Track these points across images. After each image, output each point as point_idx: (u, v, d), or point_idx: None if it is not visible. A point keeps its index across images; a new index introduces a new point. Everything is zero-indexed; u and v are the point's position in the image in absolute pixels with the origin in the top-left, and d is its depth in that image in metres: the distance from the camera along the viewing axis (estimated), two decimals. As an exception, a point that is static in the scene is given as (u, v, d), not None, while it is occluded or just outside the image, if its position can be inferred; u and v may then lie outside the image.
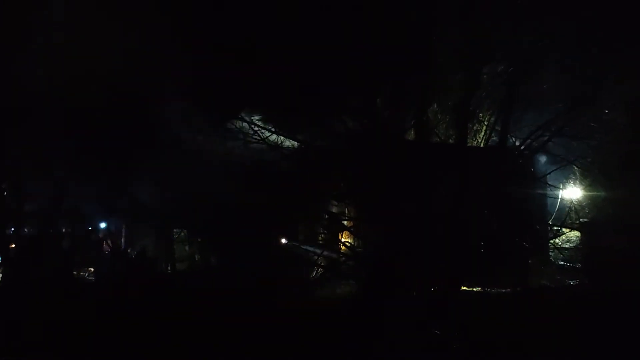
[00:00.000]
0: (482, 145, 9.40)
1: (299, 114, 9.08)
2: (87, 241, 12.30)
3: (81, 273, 12.09)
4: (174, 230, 11.24)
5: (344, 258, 9.21)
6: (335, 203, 10.01)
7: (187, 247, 11.12)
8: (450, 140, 9.47)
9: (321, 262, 9.48)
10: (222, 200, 9.09)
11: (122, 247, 12.18)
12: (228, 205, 9.09)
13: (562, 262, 9.99)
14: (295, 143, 9.27)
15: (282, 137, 9.02)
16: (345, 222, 9.55)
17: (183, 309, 8.20)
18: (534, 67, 8.30)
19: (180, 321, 7.75)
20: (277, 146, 9.07)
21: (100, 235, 12.53)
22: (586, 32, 7.81)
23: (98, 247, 12.32)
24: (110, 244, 12.13)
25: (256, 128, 8.93)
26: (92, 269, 12.19)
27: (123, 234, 12.42)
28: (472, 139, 9.68)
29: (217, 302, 8.34)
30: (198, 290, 9.18)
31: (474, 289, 9.11)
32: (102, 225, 12.61)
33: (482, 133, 9.50)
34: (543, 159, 9.83)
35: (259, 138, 8.92)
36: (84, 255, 12.18)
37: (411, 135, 9.32)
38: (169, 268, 11.23)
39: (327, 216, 9.50)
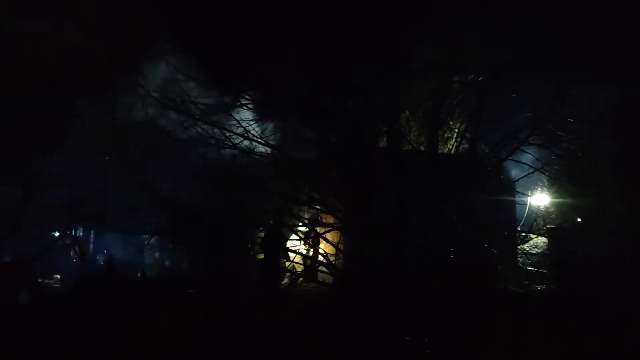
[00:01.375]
0: (453, 152, 9.54)
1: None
2: (54, 247, 12.00)
3: (47, 280, 11.78)
4: (144, 236, 11.06)
5: (317, 264, 9.22)
6: (309, 210, 10.03)
7: (157, 254, 10.95)
8: (422, 147, 9.61)
9: (294, 269, 9.46)
10: (194, 206, 9.01)
11: (90, 254, 11.92)
12: (200, 210, 9.01)
13: (530, 268, 10.18)
14: (269, 149, 9.27)
15: (254, 143, 8.99)
16: (318, 229, 9.57)
17: (153, 317, 8.08)
18: (502, 77, 8.49)
19: (149, 328, 7.65)
20: (249, 152, 9.06)
21: (68, 242, 12.22)
22: (551, 46, 8.03)
23: (65, 253, 12.03)
24: (78, 251, 11.86)
25: (228, 134, 8.87)
26: (59, 276, 11.90)
27: (91, 240, 12.16)
28: (443, 146, 9.84)
29: (187, 309, 8.27)
30: (168, 297, 9.05)
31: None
32: (70, 231, 12.30)
33: (453, 140, 9.65)
34: (512, 166, 10.02)
35: (231, 143, 8.89)
36: (50, 262, 11.87)
37: (383, 142, 9.44)
38: (138, 275, 11.04)
39: (300, 223, 9.49)
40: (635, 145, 8.72)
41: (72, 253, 12.05)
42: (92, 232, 12.13)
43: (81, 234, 12.26)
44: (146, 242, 10.51)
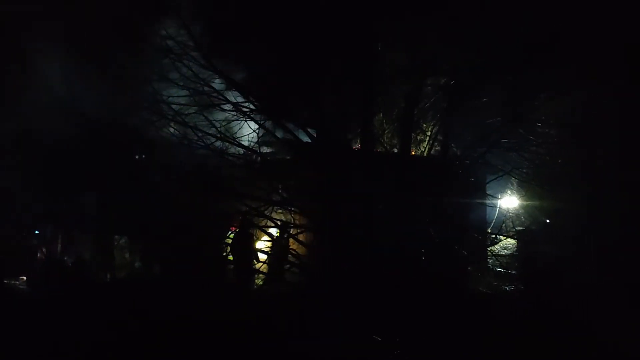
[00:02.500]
0: (425, 154, 9.64)
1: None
2: (21, 248, 11.72)
3: (13, 281, 11.50)
4: (114, 237, 10.89)
5: (288, 266, 9.20)
6: (282, 211, 10.01)
7: (127, 255, 10.79)
8: (395, 150, 9.69)
9: (265, 269, 9.44)
10: (165, 207, 8.91)
11: (58, 255, 11.66)
12: (171, 211, 8.92)
13: (500, 269, 10.35)
14: (241, 150, 9.23)
15: (226, 144, 8.94)
16: (291, 230, 9.56)
17: (120, 319, 7.95)
18: (473, 81, 8.62)
19: (118, 333, 7.54)
20: (221, 152, 9.01)
21: (35, 242, 11.95)
22: (520, 54, 8.20)
23: (32, 254, 11.75)
24: (45, 251, 11.60)
25: (200, 134, 8.80)
26: (25, 278, 11.63)
27: (59, 241, 11.89)
28: (416, 149, 9.93)
29: (156, 311, 8.17)
30: (137, 299, 8.92)
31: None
32: (37, 231, 12.03)
33: (426, 143, 9.75)
34: (482, 169, 10.17)
35: (203, 144, 8.82)
36: (16, 263, 11.60)
37: (357, 144, 9.50)
38: (107, 276, 10.85)
39: (272, 224, 9.46)
40: (601, 149, 8.97)
41: (38, 254, 11.78)
42: (60, 232, 11.86)
43: (49, 234, 11.98)
44: (116, 243, 10.36)
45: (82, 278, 10.21)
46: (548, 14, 7.95)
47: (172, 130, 8.93)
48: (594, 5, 7.96)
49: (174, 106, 8.72)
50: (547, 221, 10.55)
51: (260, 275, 9.40)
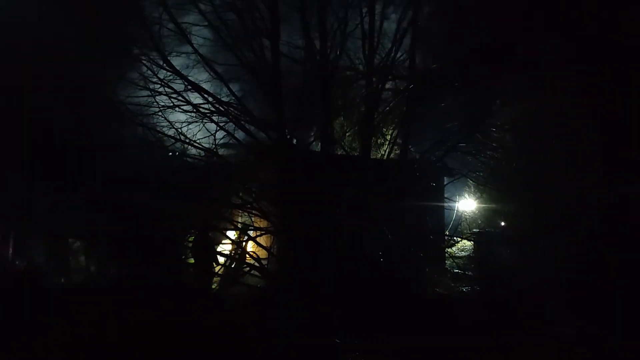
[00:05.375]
0: (385, 158, 9.78)
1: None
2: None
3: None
4: (69, 239, 10.57)
5: (248, 268, 9.16)
6: (242, 213, 9.97)
7: (82, 258, 10.49)
8: (355, 152, 9.79)
9: (224, 272, 9.37)
10: (122, 209, 8.74)
11: (9, 258, 11.23)
12: (128, 214, 8.74)
13: (457, 270, 10.58)
14: (202, 151, 9.14)
15: (186, 145, 8.85)
16: (251, 233, 9.53)
17: (72, 323, 7.74)
18: (431, 87, 8.81)
19: (73, 338, 7.34)
20: (181, 154, 8.90)
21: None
22: (476, 60, 8.43)
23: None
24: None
25: (159, 135, 8.68)
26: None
27: (10, 244, 11.45)
28: (376, 152, 10.06)
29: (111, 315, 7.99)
30: (91, 303, 8.70)
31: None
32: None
33: (385, 146, 9.89)
34: (441, 172, 10.39)
35: (163, 145, 8.69)
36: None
37: (317, 146, 9.55)
38: (62, 280, 10.52)
39: (233, 226, 9.40)
40: (551, 154, 9.27)
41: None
42: (12, 234, 11.43)
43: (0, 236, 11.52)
44: (71, 246, 10.08)
45: (35, 282, 9.87)
46: (503, 24, 8.21)
47: (130, 131, 8.78)
48: (545, 17, 8.23)
49: (132, 107, 8.58)
50: (502, 223, 10.85)
51: (217, 278, 9.31)
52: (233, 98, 8.82)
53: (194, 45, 8.70)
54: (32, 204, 10.17)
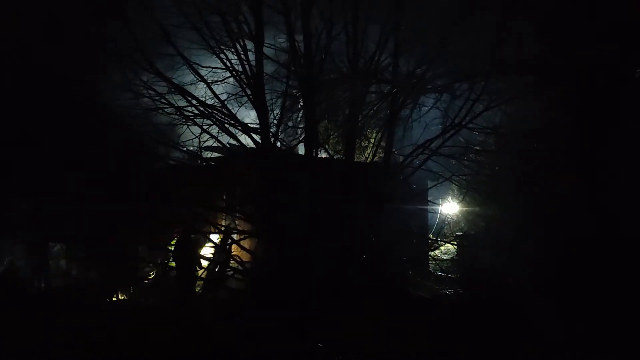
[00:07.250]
0: (368, 161, 9.81)
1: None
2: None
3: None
4: (50, 243, 10.41)
5: (231, 271, 9.12)
6: (226, 216, 9.94)
7: (62, 262, 10.34)
8: (339, 155, 9.81)
9: (209, 276, 9.32)
10: (104, 212, 8.65)
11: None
12: (110, 217, 8.66)
13: (440, 273, 10.64)
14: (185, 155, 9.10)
15: (169, 147, 8.80)
16: (234, 236, 9.49)
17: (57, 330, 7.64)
18: (414, 90, 8.87)
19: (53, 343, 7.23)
20: (164, 157, 8.85)
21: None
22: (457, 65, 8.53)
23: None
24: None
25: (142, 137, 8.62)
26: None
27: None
28: (360, 155, 10.09)
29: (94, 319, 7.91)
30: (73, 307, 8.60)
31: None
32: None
33: (369, 150, 9.92)
34: (424, 175, 10.45)
35: (146, 147, 8.64)
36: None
37: (301, 149, 9.54)
38: (42, 285, 10.35)
39: (216, 229, 9.36)
40: (534, 158, 9.40)
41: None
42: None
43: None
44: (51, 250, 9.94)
45: (14, 286, 9.70)
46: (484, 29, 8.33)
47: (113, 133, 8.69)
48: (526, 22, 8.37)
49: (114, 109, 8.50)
50: (484, 226, 10.94)
51: (200, 282, 9.24)
52: (217, 101, 8.77)
53: (178, 48, 8.66)
54: (11, 207, 9.98)
